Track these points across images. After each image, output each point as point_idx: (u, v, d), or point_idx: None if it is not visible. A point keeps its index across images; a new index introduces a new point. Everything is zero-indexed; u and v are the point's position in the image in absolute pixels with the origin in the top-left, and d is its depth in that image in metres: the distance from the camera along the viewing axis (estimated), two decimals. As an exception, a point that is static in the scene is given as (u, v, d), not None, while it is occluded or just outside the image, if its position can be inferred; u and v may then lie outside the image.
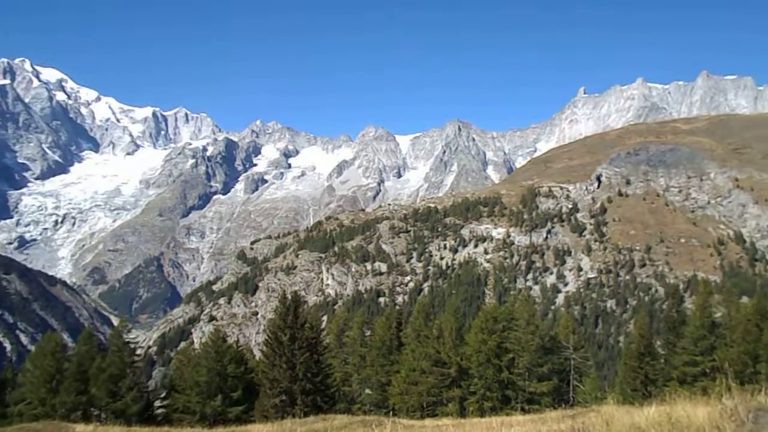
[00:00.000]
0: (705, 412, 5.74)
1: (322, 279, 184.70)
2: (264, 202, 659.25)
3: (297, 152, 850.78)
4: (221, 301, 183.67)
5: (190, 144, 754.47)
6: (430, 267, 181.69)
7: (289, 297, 40.52)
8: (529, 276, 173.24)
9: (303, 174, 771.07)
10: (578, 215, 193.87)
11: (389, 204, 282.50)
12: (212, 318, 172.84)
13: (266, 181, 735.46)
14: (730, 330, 39.65)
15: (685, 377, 38.84)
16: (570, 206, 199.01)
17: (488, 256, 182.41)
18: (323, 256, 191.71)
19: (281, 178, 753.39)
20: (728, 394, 6.75)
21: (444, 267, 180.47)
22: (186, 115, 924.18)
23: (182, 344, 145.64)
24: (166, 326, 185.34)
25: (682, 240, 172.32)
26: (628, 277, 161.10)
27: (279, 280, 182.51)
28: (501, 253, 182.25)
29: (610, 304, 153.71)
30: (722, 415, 5.47)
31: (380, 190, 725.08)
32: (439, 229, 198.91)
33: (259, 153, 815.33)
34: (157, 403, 46.36)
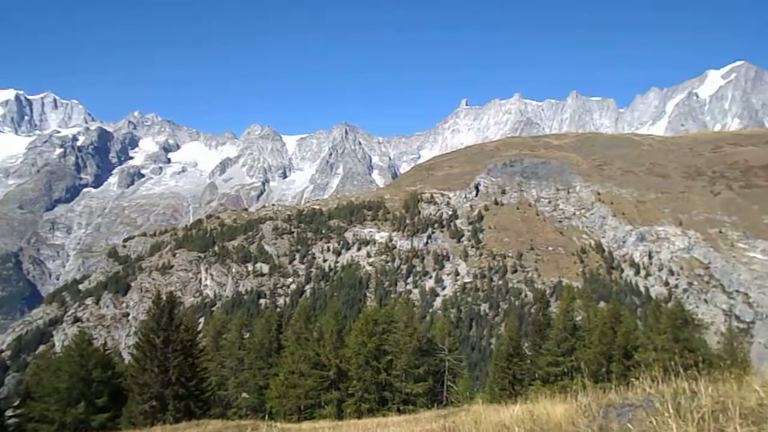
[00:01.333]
0: (563, 409, 6.22)
1: (200, 279, 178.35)
2: (140, 197, 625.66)
3: (178, 147, 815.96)
4: (88, 301, 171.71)
5: (59, 132, 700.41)
6: (312, 269, 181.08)
7: (164, 298, 38.72)
8: (410, 279, 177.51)
9: (183, 170, 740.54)
10: (457, 222, 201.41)
11: (273, 204, 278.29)
12: (77, 319, 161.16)
13: (143, 176, 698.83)
14: (589, 332, 42.87)
15: (548, 377, 41.44)
16: (450, 213, 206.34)
17: (371, 260, 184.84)
18: (202, 255, 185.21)
19: (160, 173, 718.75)
20: (583, 391, 7.36)
21: (327, 269, 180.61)
22: (54, 100, 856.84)
23: (41, 348, 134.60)
24: (23, 328, 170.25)
25: (550, 248, 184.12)
26: (501, 282, 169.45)
27: (153, 279, 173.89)
28: (383, 256, 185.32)
29: (484, 307, 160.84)
30: (577, 411, 5.96)
31: (265, 190, 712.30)
32: (323, 232, 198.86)
33: (137, 146, 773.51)
34: (9, 413, 42.50)
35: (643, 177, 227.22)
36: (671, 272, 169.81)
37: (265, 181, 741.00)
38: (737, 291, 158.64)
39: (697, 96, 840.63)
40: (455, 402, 40.17)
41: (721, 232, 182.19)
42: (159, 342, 36.22)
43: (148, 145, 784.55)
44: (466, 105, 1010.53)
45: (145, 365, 35.97)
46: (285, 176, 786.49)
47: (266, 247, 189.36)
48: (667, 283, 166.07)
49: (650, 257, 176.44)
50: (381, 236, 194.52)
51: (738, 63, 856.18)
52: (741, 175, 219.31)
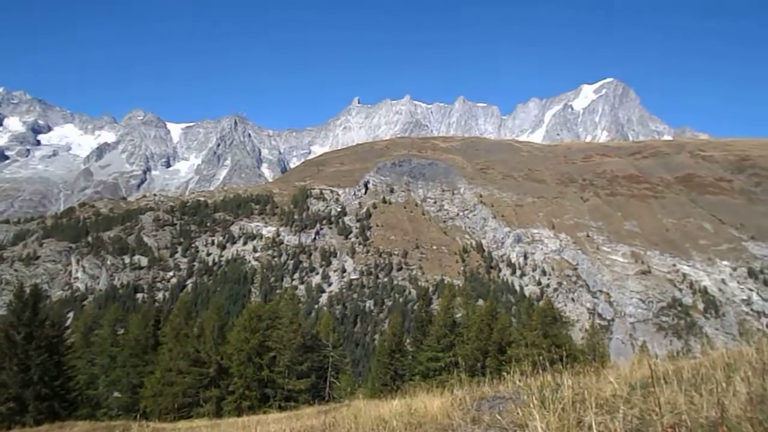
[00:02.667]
0: (439, 403, 6.50)
1: (70, 272, 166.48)
2: (3, 181, 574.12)
3: (49, 128, 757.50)
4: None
5: None
6: (195, 263, 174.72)
7: (28, 290, 35.84)
8: (296, 275, 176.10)
9: (55, 153, 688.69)
10: (346, 219, 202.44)
11: (155, 194, 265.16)
12: None
13: (7, 158, 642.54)
14: (467, 329, 44.67)
15: (428, 371, 42.73)
16: (339, 209, 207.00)
17: (257, 254, 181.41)
18: (74, 246, 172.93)
19: (27, 156, 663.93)
20: (459, 385, 7.71)
21: (210, 263, 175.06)
22: None
23: None
24: None
25: (434, 247, 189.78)
26: (386, 279, 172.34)
27: (16, 271, 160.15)
28: (270, 251, 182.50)
29: (369, 304, 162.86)
30: (453, 404, 6.25)
31: (146, 179, 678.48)
32: (208, 224, 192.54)
33: (0, 125, 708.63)
34: None
35: (521, 182, 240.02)
36: (544, 272, 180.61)
37: (147, 170, 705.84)
38: (600, 291, 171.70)
39: (572, 108, 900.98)
40: (337, 398, 40.42)
41: (588, 236, 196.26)
42: (20, 338, 33.46)
43: (14, 124, 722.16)
44: (359, 103, 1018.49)
45: (3, 363, 33.11)
46: (169, 165, 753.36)
47: (146, 239, 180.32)
48: (539, 283, 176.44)
49: (525, 258, 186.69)
50: (268, 231, 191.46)
51: (608, 80, 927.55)
52: (607, 184, 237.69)
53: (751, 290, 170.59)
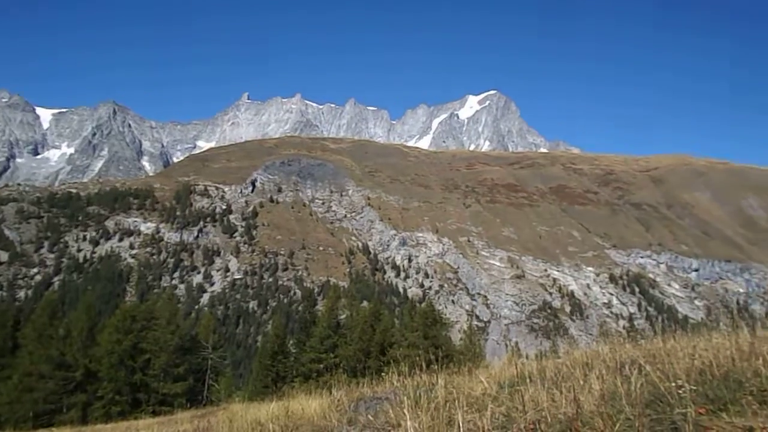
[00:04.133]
0: (317, 404, 6.52)
1: None
2: None
3: None
4: None
5: None
6: (64, 259, 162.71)
7: None
8: (176, 274, 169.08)
9: None
10: (231, 217, 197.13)
11: (20, 184, 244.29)
12: None
13: None
14: (351, 330, 45.00)
15: (310, 373, 42.56)
16: (224, 207, 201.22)
17: (134, 251, 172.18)
18: None
19: None
20: (338, 386, 7.77)
21: (81, 260, 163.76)
22: None
23: None
24: None
25: (321, 248, 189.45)
26: (271, 280, 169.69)
27: None
28: (148, 248, 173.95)
29: (253, 304, 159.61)
30: (331, 405, 6.29)
31: (9, 167, 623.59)
32: (80, 218, 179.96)
33: None
34: None
35: (408, 186, 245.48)
36: (427, 275, 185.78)
37: (11, 157, 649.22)
38: (478, 294, 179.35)
39: (458, 117, 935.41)
40: (215, 401, 39.25)
41: (469, 240, 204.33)
42: None
43: None
44: (248, 99, 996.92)
45: None
46: (36, 153, 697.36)
47: (7, 232, 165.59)
48: (422, 285, 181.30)
49: (410, 261, 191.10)
50: (147, 227, 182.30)
51: (492, 92, 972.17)
52: (488, 192, 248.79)
53: (611, 294, 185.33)
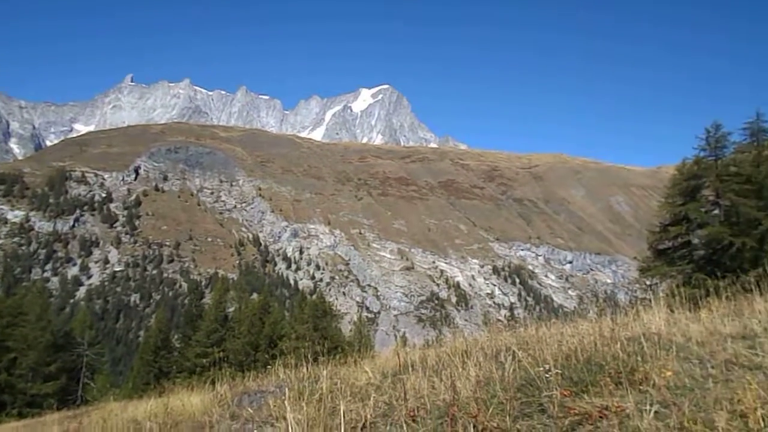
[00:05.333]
0: (199, 400, 6.36)
1: None
2: None
3: None
4: None
5: None
6: None
7: None
8: (48, 266, 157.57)
9: None
10: (112, 205, 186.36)
11: None
12: None
13: None
14: (239, 323, 44.08)
15: (196, 368, 41.25)
16: (104, 195, 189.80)
17: (0, 242, 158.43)
18: None
19: None
20: (223, 381, 7.61)
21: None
22: None
23: None
24: None
25: (209, 239, 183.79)
26: (155, 272, 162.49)
27: None
28: (16, 238, 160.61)
29: (135, 298, 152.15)
30: (213, 400, 6.16)
31: None
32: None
33: None
34: None
35: (300, 177, 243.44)
36: (318, 267, 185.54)
37: None
38: (369, 285, 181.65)
39: (351, 110, 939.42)
40: (90, 401, 37.08)
41: (360, 233, 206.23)
42: None
43: None
44: (132, 82, 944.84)
45: None
46: None
47: None
48: (313, 277, 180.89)
49: (301, 252, 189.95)
50: (15, 215, 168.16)
51: (385, 86, 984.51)
52: (379, 184, 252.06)
53: (494, 285, 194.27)
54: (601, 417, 3.94)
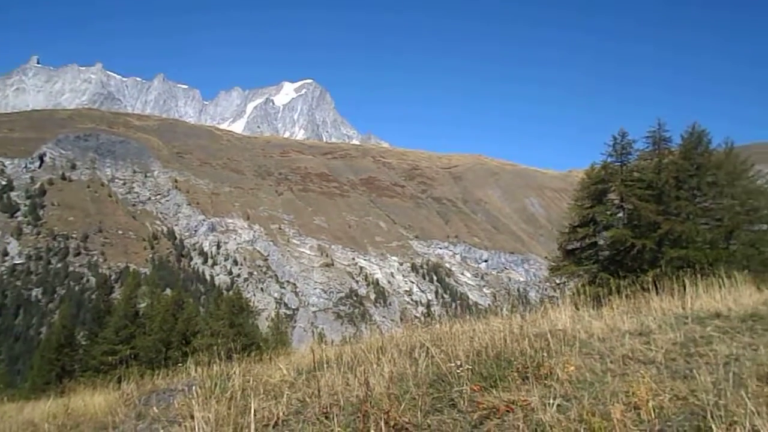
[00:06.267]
0: (103, 399, 6.08)
1: None
2: None
3: None
4: None
5: None
6: None
7: None
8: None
9: None
10: (12, 194, 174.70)
11: None
12: None
13: None
14: (150, 319, 42.52)
15: (102, 366, 39.49)
16: (4, 183, 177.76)
17: None
18: None
19: None
20: (130, 379, 7.32)
21: None
22: None
23: None
24: None
25: (120, 232, 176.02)
26: (60, 265, 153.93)
27: None
28: None
29: (36, 292, 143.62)
30: (118, 400, 5.90)
31: None
32: None
33: None
34: None
35: (219, 170, 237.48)
36: (236, 262, 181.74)
37: None
38: (288, 281, 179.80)
39: (273, 103, 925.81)
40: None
41: (280, 228, 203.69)
42: None
43: None
44: (38, 63, 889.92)
45: None
46: None
47: None
48: (231, 273, 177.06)
49: (218, 247, 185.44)
50: None
51: (308, 81, 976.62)
52: (300, 180, 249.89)
53: (412, 282, 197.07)
54: (507, 411, 4.09)
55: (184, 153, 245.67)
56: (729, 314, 7.56)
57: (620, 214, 19.83)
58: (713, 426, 3.16)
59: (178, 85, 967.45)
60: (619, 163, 19.74)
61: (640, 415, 3.77)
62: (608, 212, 19.80)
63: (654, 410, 3.79)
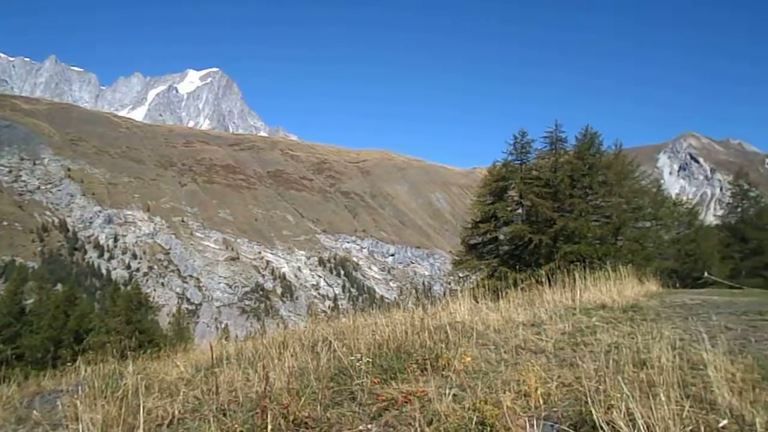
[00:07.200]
0: (-21, 404, 5.64)
1: None
2: None
3: None
4: None
5: None
6: None
7: None
8: None
9: None
10: None
11: None
12: None
13: None
14: (38, 317, 39.95)
15: (-17, 368, 36.69)
16: None
17: None
18: None
19: None
20: (12, 381, 6.84)
21: None
22: None
23: None
24: None
25: (5, 223, 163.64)
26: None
27: None
28: None
29: None
30: (-3, 403, 5.51)
31: None
32: None
33: None
34: None
35: (117, 159, 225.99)
36: (135, 256, 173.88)
37: None
38: (191, 276, 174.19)
39: (177, 91, 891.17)
40: None
41: (183, 221, 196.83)
42: None
43: None
44: None
45: None
46: None
47: None
48: (129, 267, 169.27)
49: (116, 240, 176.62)
50: None
51: (214, 69, 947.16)
52: (205, 171, 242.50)
53: (319, 276, 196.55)
54: (405, 402, 4.18)
55: (79, 140, 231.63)
56: (613, 305, 8.10)
57: (519, 211, 20.68)
58: (593, 410, 3.30)
59: (73, 68, 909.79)
60: (518, 162, 20.58)
61: (529, 402, 3.97)
62: (508, 208, 20.59)
63: (542, 397, 4.00)
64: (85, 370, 6.83)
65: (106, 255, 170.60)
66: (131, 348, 9.47)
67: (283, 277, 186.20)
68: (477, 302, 8.48)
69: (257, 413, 4.01)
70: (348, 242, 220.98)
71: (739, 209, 35.95)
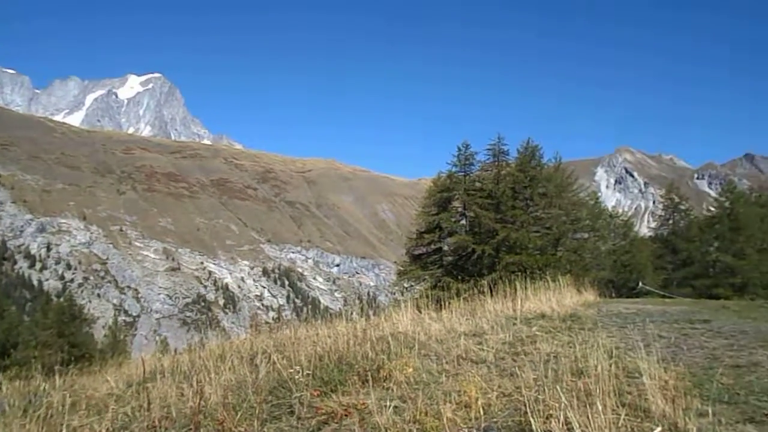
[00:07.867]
0: None
1: None
2: None
3: None
4: None
5: None
6: None
7: None
8: None
9: None
10: None
11: None
12: None
13: None
14: (-39, 330, 37.84)
15: None
16: None
17: None
18: None
19: None
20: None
21: None
22: None
23: None
24: None
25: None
26: None
27: None
28: None
29: None
30: None
31: None
32: None
33: None
34: None
35: (51, 165, 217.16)
36: (69, 266, 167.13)
37: None
38: (129, 287, 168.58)
39: (117, 96, 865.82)
40: None
41: (121, 230, 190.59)
42: None
43: None
44: None
45: None
46: None
47: None
48: (63, 278, 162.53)
49: (49, 250, 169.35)
50: None
51: (156, 75, 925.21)
52: (145, 179, 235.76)
53: (263, 287, 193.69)
54: (345, 415, 4.10)
55: (10, 145, 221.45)
56: (552, 315, 8.24)
57: (463, 221, 20.95)
58: (532, 420, 3.31)
59: (4, 70, 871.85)
60: (462, 173, 20.86)
61: (469, 413, 3.95)
62: (452, 219, 20.82)
63: (482, 408, 3.99)
64: (6, 388, 6.44)
65: (38, 265, 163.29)
66: (61, 362, 9.03)
67: (225, 288, 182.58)
68: (420, 312, 8.48)
69: (191, 430, 3.85)
70: (293, 252, 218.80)
71: (671, 222, 37.44)
